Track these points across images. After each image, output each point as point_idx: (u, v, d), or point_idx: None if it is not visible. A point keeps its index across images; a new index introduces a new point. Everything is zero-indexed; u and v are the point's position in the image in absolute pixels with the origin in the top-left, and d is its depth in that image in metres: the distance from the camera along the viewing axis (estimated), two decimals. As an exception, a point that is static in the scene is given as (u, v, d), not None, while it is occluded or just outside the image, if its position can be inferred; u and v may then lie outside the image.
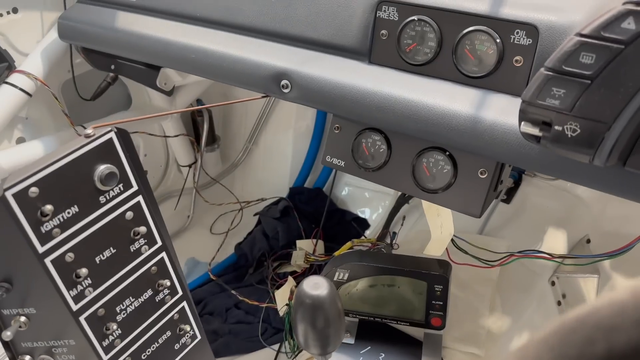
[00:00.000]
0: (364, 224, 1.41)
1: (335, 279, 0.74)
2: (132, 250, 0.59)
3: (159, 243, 0.62)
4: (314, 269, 1.23)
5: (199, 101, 1.41)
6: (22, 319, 0.55)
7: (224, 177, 1.54)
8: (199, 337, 0.70)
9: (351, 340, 0.78)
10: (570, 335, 0.19)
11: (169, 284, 0.64)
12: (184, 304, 0.67)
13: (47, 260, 0.51)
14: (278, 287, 1.21)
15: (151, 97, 1.27)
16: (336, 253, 0.88)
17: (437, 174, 0.66)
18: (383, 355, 0.76)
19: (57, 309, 0.54)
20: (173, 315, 0.66)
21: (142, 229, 0.59)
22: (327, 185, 1.46)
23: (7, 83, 0.96)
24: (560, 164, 0.54)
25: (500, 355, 0.78)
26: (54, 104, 1.04)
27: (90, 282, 0.55)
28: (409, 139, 0.67)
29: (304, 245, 1.30)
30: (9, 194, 0.47)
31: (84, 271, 0.54)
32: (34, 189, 0.49)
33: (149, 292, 0.62)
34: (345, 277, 0.74)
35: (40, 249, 0.50)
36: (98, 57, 1.00)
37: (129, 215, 0.58)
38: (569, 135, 0.43)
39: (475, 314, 0.81)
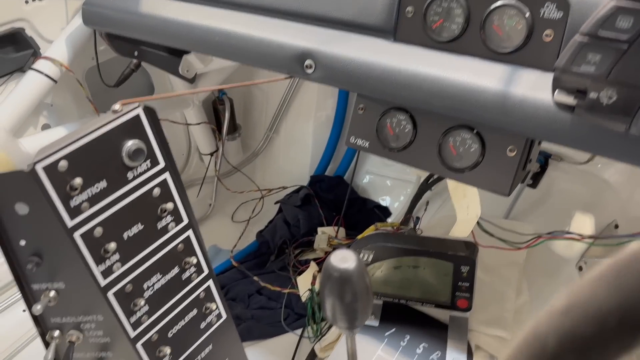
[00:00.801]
0: (385, 212, 1.40)
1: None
2: (159, 228, 0.59)
3: (186, 221, 0.62)
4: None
5: (220, 90, 1.42)
6: (52, 293, 0.56)
7: (245, 166, 1.54)
8: (225, 316, 0.70)
9: (375, 323, 0.78)
10: (627, 267, 0.19)
11: (195, 261, 0.64)
12: (210, 282, 0.67)
13: (76, 235, 0.52)
14: (300, 274, 1.21)
15: (173, 85, 1.27)
16: (359, 236, 0.88)
17: (464, 152, 0.65)
18: (408, 337, 0.75)
19: (86, 284, 0.55)
20: (199, 294, 0.66)
21: (169, 206, 0.59)
22: (348, 174, 1.45)
23: (32, 69, 0.97)
24: (594, 137, 0.52)
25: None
26: (78, 91, 1.05)
27: (118, 257, 0.55)
28: (435, 117, 0.67)
29: (323, 240, 1.29)
30: (39, 167, 0.48)
31: (112, 246, 0.54)
32: (63, 163, 0.49)
33: (176, 270, 0.62)
34: (370, 259, 0.73)
35: (70, 223, 0.51)
36: (121, 43, 1.00)
37: (156, 192, 0.58)
38: (605, 103, 0.42)
39: (502, 297, 0.80)
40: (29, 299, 0.57)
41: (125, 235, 0.56)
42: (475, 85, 0.59)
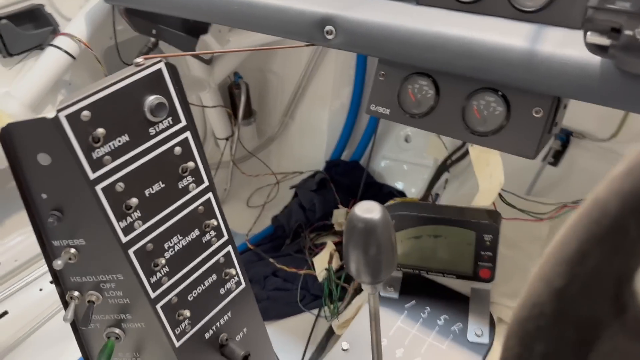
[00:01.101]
0: (401, 197, 1.38)
1: (380, 229, 0.73)
2: (180, 187, 0.59)
3: (206, 183, 0.62)
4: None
5: (236, 74, 1.41)
6: (72, 250, 0.55)
7: (260, 151, 1.54)
8: (244, 284, 0.69)
9: (395, 295, 0.77)
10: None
11: (215, 224, 0.63)
12: (229, 248, 0.67)
13: (98, 188, 0.51)
14: (315, 255, 1.20)
15: (190, 67, 1.27)
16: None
17: (489, 116, 0.64)
18: (428, 309, 0.74)
19: (107, 241, 0.54)
20: (219, 259, 0.65)
21: (191, 165, 0.58)
22: (363, 159, 1.44)
23: (52, 45, 0.97)
24: (624, 91, 0.51)
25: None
26: (97, 70, 1.06)
27: (139, 214, 0.55)
28: (458, 81, 0.65)
29: (341, 214, 1.29)
30: (62, 115, 0.47)
31: (133, 202, 0.53)
32: (86, 113, 0.49)
33: (196, 232, 0.62)
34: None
35: (92, 175, 0.50)
36: (140, 21, 1.00)
37: (178, 150, 0.57)
38: (642, 42, 0.40)
39: (524, 271, 0.79)
40: (49, 255, 0.57)
41: (146, 193, 0.55)
42: (501, 44, 0.58)
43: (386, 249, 0.48)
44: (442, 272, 0.74)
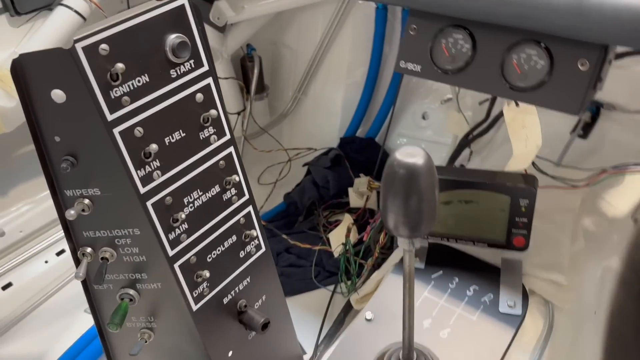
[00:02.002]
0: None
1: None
2: (201, 138, 0.55)
3: (228, 135, 0.58)
4: (366, 217, 1.18)
5: (249, 46, 1.37)
6: (86, 201, 0.52)
7: (272, 128, 1.50)
8: (264, 248, 0.66)
9: (421, 265, 0.73)
10: None
11: (237, 180, 0.59)
12: (250, 208, 0.63)
13: (116, 131, 0.48)
14: (330, 231, 1.17)
15: (202, 37, 1.23)
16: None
17: (530, 70, 0.60)
18: (457, 279, 0.71)
19: (124, 192, 0.51)
20: (239, 219, 0.62)
21: (213, 114, 0.55)
22: (379, 136, 1.41)
23: (61, 5, 0.93)
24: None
25: (584, 284, 0.72)
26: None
27: (158, 164, 0.51)
28: (496, 33, 0.61)
29: (363, 183, 1.25)
30: (78, 47, 0.44)
31: (153, 147, 0.50)
32: (104, 46, 0.45)
33: (217, 189, 0.58)
34: (419, 193, 0.68)
35: (109, 117, 0.47)
36: (153, -19, 0.96)
37: (199, 97, 0.54)
38: None
39: (556, 243, 0.75)
40: (62, 206, 0.53)
41: (166, 141, 0.52)
42: (548, -12, 0.54)
43: (428, 199, 0.44)
44: (472, 240, 0.70)
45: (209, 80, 0.55)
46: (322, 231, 1.19)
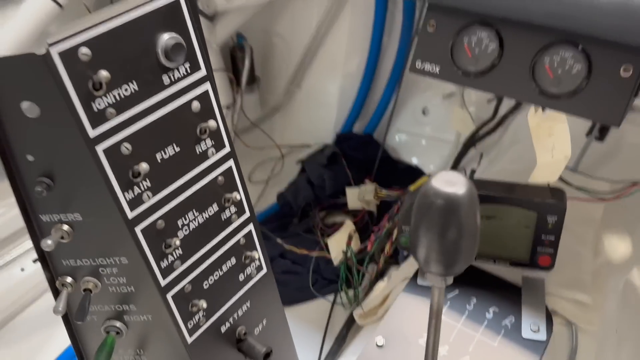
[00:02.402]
0: (419, 174, 1.29)
1: (423, 208, 0.63)
2: (197, 152, 0.48)
3: (228, 148, 0.52)
4: (365, 220, 1.13)
5: (239, 36, 1.30)
6: (65, 227, 0.45)
7: (263, 122, 1.43)
8: (265, 269, 0.60)
9: (435, 283, 0.68)
10: None
11: (237, 198, 0.53)
12: (251, 227, 0.57)
13: (99, 149, 0.41)
14: (328, 235, 1.11)
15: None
16: (412, 187, 0.77)
17: (565, 75, 0.54)
18: (475, 300, 0.66)
19: (109, 216, 0.44)
20: (239, 240, 0.56)
21: (211, 125, 0.48)
22: (377, 132, 1.35)
23: (34, -10, 0.85)
24: None
25: (606, 302, 0.67)
26: (86, 22, 0.94)
27: (149, 184, 0.45)
28: (528, 32, 0.56)
29: (355, 192, 1.19)
30: (54, 51, 0.37)
31: (143, 167, 0.43)
32: (85, 50, 0.38)
33: (215, 208, 0.52)
34: (436, 207, 0.63)
35: (92, 132, 0.40)
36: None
37: (196, 106, 0.47)
38: None
39: (578, 258, 0.70)
40: (37, 233, 0.46)
41: (158, 157, 0.45)
42: (592, -16, 0.48)
43: (469, 233, 0.38)
44: (492, 259, 0.65)
45: (207, 86, 0.48)
46: (318, 235, 1.13)
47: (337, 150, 1.27)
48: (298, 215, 1.22)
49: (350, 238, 0.92)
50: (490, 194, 0.61)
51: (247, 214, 0.56)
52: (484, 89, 0.59)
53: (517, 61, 0.57)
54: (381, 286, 0.88)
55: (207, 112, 0.48)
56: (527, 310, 0.64)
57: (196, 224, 0.51)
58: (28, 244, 1.06)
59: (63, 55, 0.37)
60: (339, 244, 0.98)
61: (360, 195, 0.78)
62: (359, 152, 1.28)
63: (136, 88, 0.42)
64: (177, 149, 0.47)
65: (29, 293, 1.02)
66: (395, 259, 0.91)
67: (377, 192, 0.77)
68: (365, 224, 1.12)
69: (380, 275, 0.92)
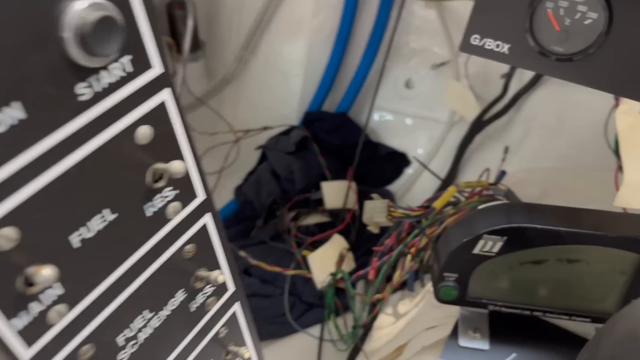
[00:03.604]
0: (403, 161, 1.12)
1: (477, 250, 0.46)
2: (148, 215, 0.28)
3: (200, 195, 0.31)
4: (352, 229, 0.95)
5: (178, -11, 1.05)
6: None
7: (211, 98, 1.20)
8: (256, 360, 0.41)
9: (484, 345, 0.51)
10: None
11: (214, 276, 0.33)
12: (237, 306, 0.38)
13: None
14: (306, 247, 0.93)
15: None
16: (436, 204, 0.59)
17: None
18: (540, 368, 0.50)
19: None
20: (218, 332, 0.36)
21: (174, 166, 0.28)
22: (353, 110, 1.15)
23: None
24: None
25: None
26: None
27: (61, 291, 0.24)
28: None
29: (333, 188, 1.01)
30: None
31: (47, 272, 0.23)
32: None
33: (181, 295, 0.32)
34: (496, 249, 0.45)
35: None
36: None
37: (144, 134, 0.27)
38: None
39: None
40: None
41: (74, 240, 0.24)
42: None
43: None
44: (568, 314, 0.49)
45: (165, 94, 0.27)
46: (292, 244, 0.94)
47: (307, 134, 1.07)
48: (263, 216, 1.02)
49: (341, 258, 0.74)
50: (574, 229, 0.44)
51: (231, 289, 0.36)
52: (578, 80, 0.42)
53: (631, 40, 0.39)
54: (387, 321, 0.71)
55: (163, 139, 0.28)
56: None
57: (151, 330, 0.30)
58: None
59: None
60: (323, 263, 0.80)
61: (367, 215, 0.60)
62: (334, 136, 1.08)
63: (24, 116, 0.21)
64: (112, 216, 0.26)
65: None
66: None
67: (392, 210, 0.58)
68: (347, 226, 0.95)
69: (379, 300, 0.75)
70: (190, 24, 1.04)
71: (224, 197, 1.10)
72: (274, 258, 0.92)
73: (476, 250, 0.46)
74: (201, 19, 1.16)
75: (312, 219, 1.02)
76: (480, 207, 0.52)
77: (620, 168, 0.52)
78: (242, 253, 0.91)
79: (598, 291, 0.48)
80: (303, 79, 1.14)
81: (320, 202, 1.02)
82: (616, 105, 0.49)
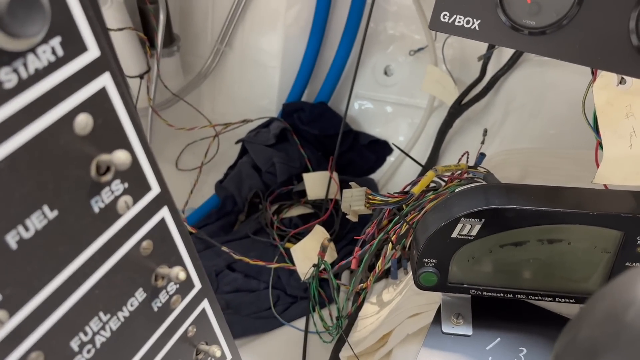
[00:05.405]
0: (384, 149, 1.10)
1: (456, 234, 0.44)
2: (96, 210, 0.26)
3: (156, 188, 0.29)
4: (335, 219, 0.93)
5: (148, -18, 1.02)
6: None
7: (188, 93, 1.17)
8: None
9: (467, 330, 0.50)
10: None
11: (176, 271, 0.31)
12: (205, 304, 0.36)
13: None
14: (289, 239, 0.91)
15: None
16: (415, 190, 0.58)
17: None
18: (525, 350, 0.48)
19: None
20: (186, 330, 0.34)
21: (119, 157, 0.26)
22: (333, 99, 1.13)
23: None
24: None
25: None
26: None
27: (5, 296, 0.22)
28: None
29: (315, 178, 0.99)
30: None
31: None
32: None
33: (140, 295, 0.30)
34: (475, 232, 0.44)
35: None
36: None
37: (82, 122, 0.24)
38: None
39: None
40: None
41: (11, 240, 0.22)
42: None
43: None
44: (552, 296, 0.48)
45: (105, 79, 0.25)
46: (275, 237, 0.92)
47: (287, 125, 1.05)
48: (245, 211, 1.00)
49: (324, 249, 0.72)
50: (554, 209, 0.43)
51: (197, 286, 0.34)
52: (550, 54, 0.40)
53: (606, 13, 0.38)
54: (371, 311, 0.69)
55: (108, 130, 0.25)
56: None
57: (109, 334, 0.28)
58: None
59: None
60: (305, 254, 0.78)
61: (345, 204, 0.58)
62: (314, 126, 1.06)
63: None
64: (53, 214, 0.24)
65: None
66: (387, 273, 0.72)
67: (370, 198, 0.57)
68: (330, 217, 0.93)
69: (363, 290, 0.73)
70: (161, 17, 1.01)
71: (205, 192, 1.08)
72: (258, 252, 0.90)
73: (454, 234, 0.45)
74: (174, 13, 1.13)
75: (295, 211, 1.00)
76: (458, 190, 0.50)
77: (600, 145, 0.50)
78: (225, 248, 0.88)
79: (581, 271, 0.47)
80: (281, 70, 1.12)
81: (303, 193, 1.00)
82: (593, 80, 0.47)
